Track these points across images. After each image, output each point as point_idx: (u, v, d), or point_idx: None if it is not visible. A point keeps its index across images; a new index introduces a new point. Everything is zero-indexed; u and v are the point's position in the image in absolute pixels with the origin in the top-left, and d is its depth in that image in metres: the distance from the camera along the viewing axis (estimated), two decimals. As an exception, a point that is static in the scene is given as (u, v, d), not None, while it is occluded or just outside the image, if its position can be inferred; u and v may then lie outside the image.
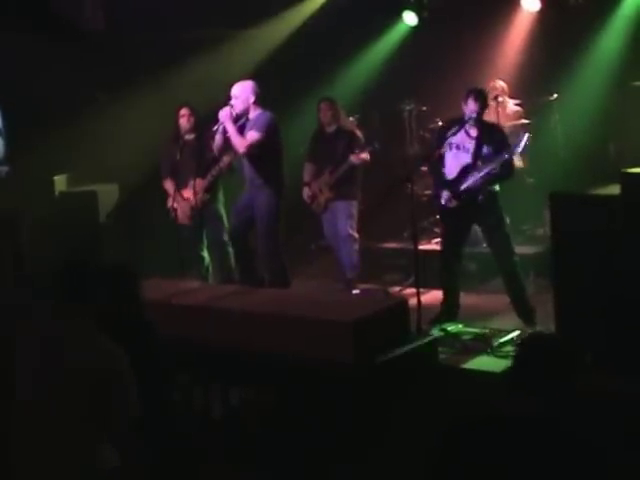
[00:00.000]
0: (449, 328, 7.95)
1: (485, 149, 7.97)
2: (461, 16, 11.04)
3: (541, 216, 9.48)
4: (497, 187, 8.11)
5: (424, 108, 11.36)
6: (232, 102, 8.56)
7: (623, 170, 6.73)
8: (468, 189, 7.97)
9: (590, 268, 6.62)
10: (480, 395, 6.28)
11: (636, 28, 9.85)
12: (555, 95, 10.26)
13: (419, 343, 7.02)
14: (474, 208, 8.04)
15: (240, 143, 8.52)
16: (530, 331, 7.34)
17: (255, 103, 8.61)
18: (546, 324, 7.26)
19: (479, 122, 8.02)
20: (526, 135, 8.24)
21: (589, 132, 9.96)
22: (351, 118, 10.13)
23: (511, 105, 10.36)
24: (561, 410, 3.51)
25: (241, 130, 8.57)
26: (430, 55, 11.42)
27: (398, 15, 11.31)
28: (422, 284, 8.13)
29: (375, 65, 11.57)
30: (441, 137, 8.26)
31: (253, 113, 8.62)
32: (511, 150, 8.00)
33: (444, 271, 8.39)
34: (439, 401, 6.33)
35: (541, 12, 10.48)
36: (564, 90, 10.27)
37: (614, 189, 6.66)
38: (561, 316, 6.92)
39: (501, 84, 10.31)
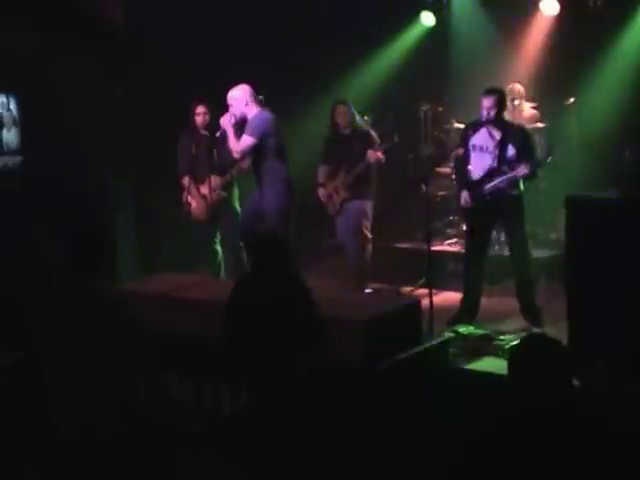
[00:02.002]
0: (460, 330, 7.96)
1: (510, 151, 7.98)
2: (479, 18, 11.03)
3: (554, 220, 9.48)
4: (522, 188, 8.11)
5: (440, 109, 11.38)
6: (230, 106, 8.73)
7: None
8: (492, 191, 7.99)
9: (604, 272, 6.62)
10: (489, 397, 6.29)
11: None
12: (572, 99, 10.25)
13: (431, 344, 7.04)
14: (498, 209, 8.06)
15: (234, 148, 8.74)
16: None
17: (252, 104, 8.77)
18: (557, 327, 7.26)
19: (501, 123, 8.04)
20: (551, 145, 8.24)
21: (605, 136, 9.93)
22: (365, 118, 10.13)
23: (528, 108, 10.34)
24: (562, 412, 3.51)
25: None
26: (447, 56, 11.43)
27: (416, 15, 11.28)
28: (434, 285, 8.15)
29: (391, 65, 11.56)
30: (464, 137, 8.29)
31: (250, 114, 8.76)
32: (538, 161, 8.01)
33: (467, 271, 8.40)
34: (449, 402, 6.34)
35: (560, 15, 10.46)
36: (581, 94, 10.26)
37: (630, 193, 6.66)
38: (573, 320, 6.91)
39: (518, 87, 10.29)
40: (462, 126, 10.39)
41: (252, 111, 8.75)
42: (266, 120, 8.74)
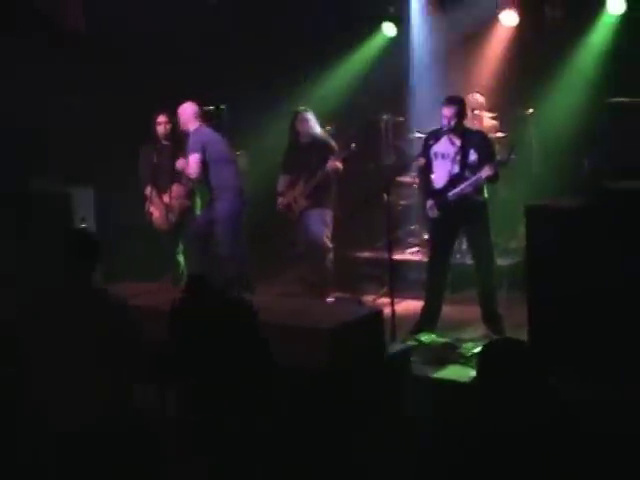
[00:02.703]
0: (422, 338, 8.00)
1: (471, 156, 8.04)
2: (440, 29, 11.10)
3: (515, 229, 9.55)
4: (486, 195, 8.18)
5: (401, 119, 11.43)
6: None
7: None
8: (456, 198, 8.04)
9: (564, 280, 6.69)
10: (452, 405, 6.33)
11: (613, 44, 9.93)
12: (531, 109, 10.35)
13: (393, 352, 7.07)
14: (462, 216, 8.11)
15: (189, 172, 9.11)
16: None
17: (194, 121, 9.16)
18: (518, 335, 7.31)
19: (461, 130, 8.10)
20: (512, 146, 8.30)
21: (564, 146, 10.02)
22: (327, 127, 10.18)
23: (487, 118, 10.42)
24: (529, 416, 3.55)
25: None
26: (408, 66, 11.49)
27: (377, 26, 11.33)
28: (396, 294, 8.19)
29: (353, 75, 11.60)
30: (425, 147, 8.34)
31: (192, 130, 9.16)
32: (499, 162, 8.06)
33: (430, 280, 8.43)
34: (412, 410, 6.37)
35: (519, 27, 10.55)
36: (540, 104, 10.36)
37: (588, 202, 6.75)
38: (534, 327, 6.99)
39: (478, 97, 10.37)
40: (423, 136, 10.47)
41: (192, 127, 9.11)
42: (203, 134, 9.08)
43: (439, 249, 8.40)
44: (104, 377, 4.91)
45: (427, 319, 8.28)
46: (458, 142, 8.10)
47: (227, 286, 8.66)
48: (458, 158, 8.07)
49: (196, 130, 9.07)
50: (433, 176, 8.28)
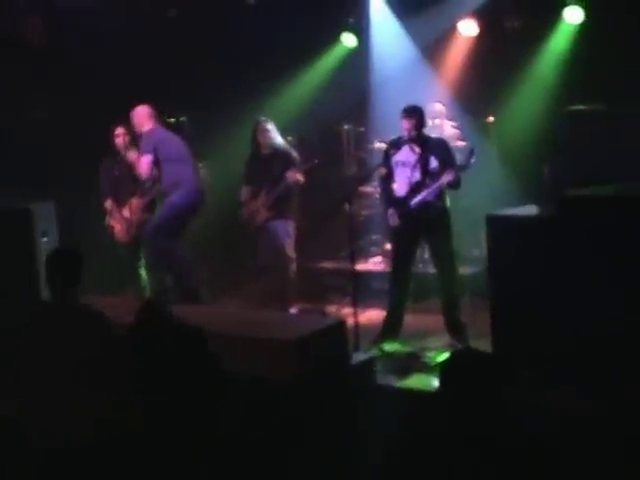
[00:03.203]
0: (386, 348, 8.01)
1: (432, 163, 8.06)
2: (399, 39, 11.13)
3: (477, 237, 9.58)
4: (448, 202, 8.19)
5: (362, 129, 11.45)
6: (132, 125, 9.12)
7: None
8: (418, 205, 8.05)
9: (526, 288, 6.72)
10: (416, 413, 6.33)
11: (571, 53, 10.01)
12: (491, 118, 10.40)
13: (356, 362, 7.07)
14: (424, 224, 8.12)
15: (140, 172, 9.07)
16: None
17: (148, 123, 9.12)
18: (481, 343, 7.33)
19: (422, 138, 8.11)
20: (471, 150, 8.31)
21: (524, 154, 10.06)
22: (289, 138, 10.18)
23: (449, 127, 10.45)
24: (492, 424, 3.56)
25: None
26: (369, 77, 11.50)
27: (337, 36, 11.35)
28: (359, 304, 8.19)
29: (314, 86, 11.60)
30: (386, 156, 8.35)
31: (144, 132, 9.13)
32: (460, 166, 8.07)
33: (393, 289, 8.43)
34: (375, 420, 6.36)
35: (478, 36, 10.61)
36: (501, 113, 10.41)
37: (548, 210, 6.79)
38: (497, 335, 7.01)
39: (439, 106, 10.41)
40: (384, 145, 10.50)
41: (145, 128, 9.09)
42: (155, 134, 9.05)
43: (401, 258, 8.40)
44: (94, 394, 4.94)
45: (390, 328, 8.27)
46: (418, 150, 8.11)
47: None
48: (419, 166, 8.08)
49: (149, 131, 9.05)
50: (394, 185, 8.28)
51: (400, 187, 8.23)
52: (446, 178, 7.94)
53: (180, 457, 5.05)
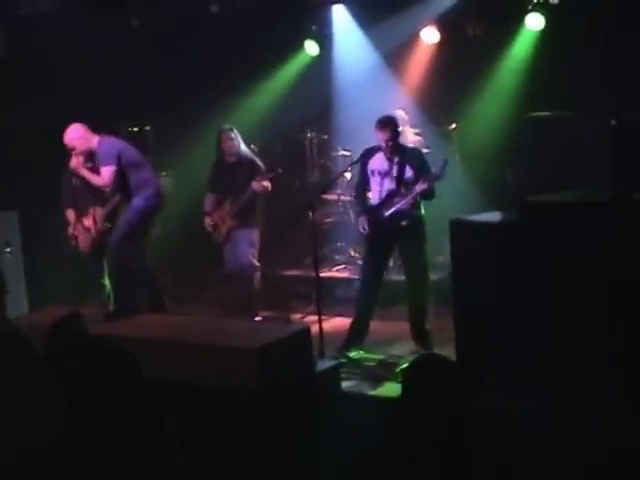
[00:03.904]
0: (351, 355, 8.01)
1: (407, 172, 8.07)
2: (362, 46, 11.15)
3: (440, 244, 9.58)
4: (422, 211, 8.20)
5: (325, 137, 11.46)
6: (74, 149, 8.59)
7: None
8: (393, 215, 8.05)
9: (489, 294, 6.74)
10: (381, 421, 6.32)
11: (533, 60, 10.06)
12: (453, 124, 10.43)
13: (321, 369, 7.07)
14: (398, 232, 8.12)
15: (101, 183, 8.62)
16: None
17: (91, 136, 8.66)
18: (445, 349, 7.34)
19: (397, 147, 8.12)
20: (445, 161, 8.33)
21: (487, 161, 10.11)
22: (252, 145, 10.17)
23: (411, 134, 10.48)
24: (453, 431, 3.56)
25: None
26: (331, 84, 11.52)
27: (300, 44, 11.35)
28: (324, 311, 8.19)
29: (277, 94, 11.59)
30: (362, 164, 8.35)
31: (95, 145, 8.65)
32: (434, 176, 8.08)
33: (361, 295, 8.43)
34: (341, 427, 6.36)
35: (440, 43, 10.65)
36: (463, 120, 10.45)
37: (511, 216, 6.81)
38: (461, 341, 7.02)
39: (401, 114, 10.42)
40: (347, 153, 10.52)
41: (94, 142, 8.65)
42: (113, 144, 8.74)
43: (372, 265, 8.39)
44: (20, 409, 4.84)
45: (355, 335, 8.27)
46: (395, 159, 8.12)
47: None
48: (394, 174, 8.09)
49: (102, 142, 8.69)
50: (369, 194, 8.29)
51: (374, 196, 8.24)
52: (420, 187, 7.96)
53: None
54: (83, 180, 8.82)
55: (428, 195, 8.11)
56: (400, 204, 8.04)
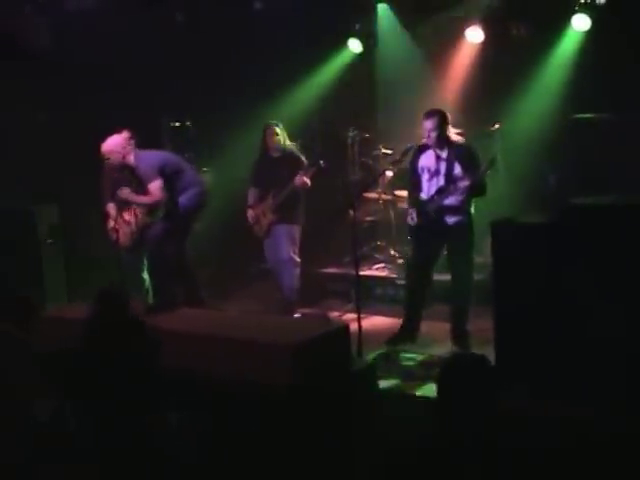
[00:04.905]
0: (390, 354, 7.98)
1: (456, 169, 8.02)
2: (406, 45, 11.12)
3: (480, 244, 9.54)
4: (472, 210, 8.14)
5: (367, 135, 11.42)
6: (108, 159, 8.60)
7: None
8: (438, 209, 8.02)
9: (530, 296, 6.68)
10: (418, 421, 6.29)
11: (577, 61, 9.97)
12: (497, 125, 10.36)
13: (359, 368, 7.05)
14: (446, 229, 8.09)
15: (152, 200, 8.66)
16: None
17: (129, 150, 8.63)
18: (484, 351, 7.28)
19: (446, 142, 8.08)
20: (495, 159, 8.27)
21: (530, 162, 10.03)
22: (298, 140, 10.16)
23: (453, 134, 10.40)
24: (488, 431, 3.54)
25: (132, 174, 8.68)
26: (375, 82, 11.49)
27: (344, 42, 11.32)
28: (362, 310, 8.16)
29: (319, 91, 11.58)
30: (413, 162, 8.33)
31: (133, 161, 8.65)
32: (480, 172, 8.01)
33: (408, 293, 8.43)
34: (378, 426, 6.33)
35: (484, 43, 10.58)
36: (506, 120, 10.37)
37: (554, 218, 6.75)
38: (500, 342, 6.96)
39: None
40: (389, 152, 10.48)
41: (130, 159, 8.64)
42: (151, 158, 8.72)
43: (418, 261, 8.36)
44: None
45: (407, 332, 8.25)
46: (443, 155, 8.08)
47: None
48: (443, 171, 8.04)
49: (141, 158, 8.65)
50: (421, 189, 8.24)
51: (425, 192, 8.20)
52: (463, 184, 7.89)
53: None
54: (123, 175, 8.86)
55: (476, 191, 8.02)
56: (446, 199, 7.99)
